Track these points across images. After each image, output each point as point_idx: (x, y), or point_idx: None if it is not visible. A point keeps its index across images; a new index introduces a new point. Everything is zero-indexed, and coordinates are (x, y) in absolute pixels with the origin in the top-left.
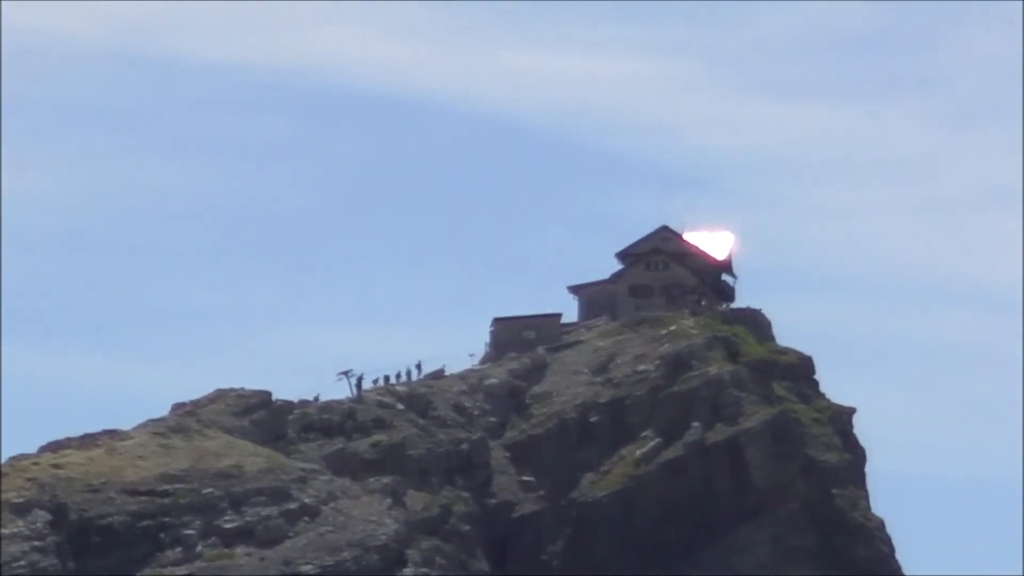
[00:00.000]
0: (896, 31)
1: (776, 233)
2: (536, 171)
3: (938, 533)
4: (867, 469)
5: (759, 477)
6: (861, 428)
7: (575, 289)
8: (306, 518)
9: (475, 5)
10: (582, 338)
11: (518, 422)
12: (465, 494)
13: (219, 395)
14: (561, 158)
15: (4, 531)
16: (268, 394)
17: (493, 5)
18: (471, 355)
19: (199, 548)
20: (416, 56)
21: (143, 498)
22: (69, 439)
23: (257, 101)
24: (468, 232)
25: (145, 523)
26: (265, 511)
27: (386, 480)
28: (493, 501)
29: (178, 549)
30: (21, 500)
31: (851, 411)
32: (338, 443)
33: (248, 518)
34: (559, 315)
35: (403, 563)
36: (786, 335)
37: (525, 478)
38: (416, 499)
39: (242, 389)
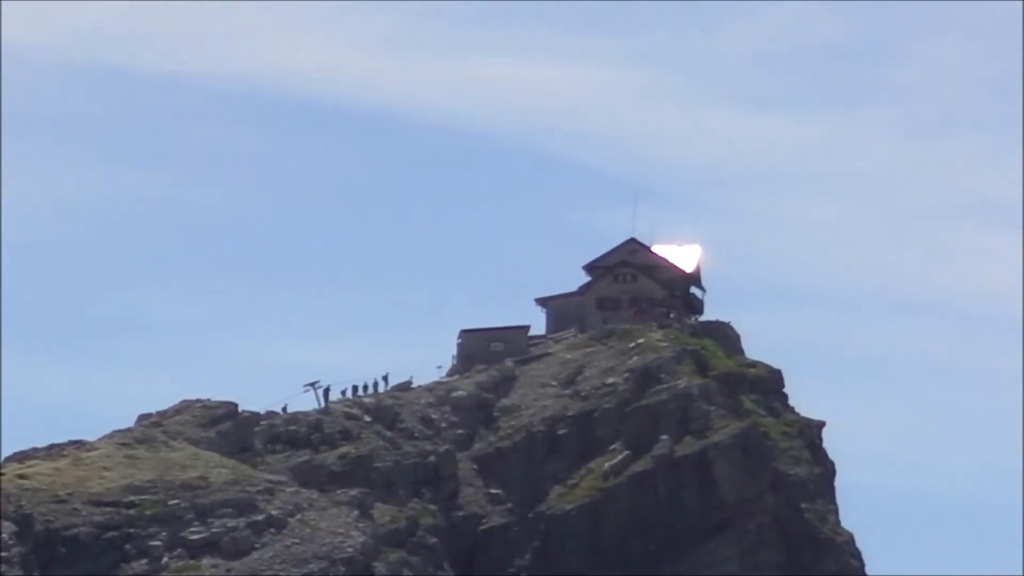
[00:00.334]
0: (864, 42)
1: (745, 245)
2: (504, 182)
3: (908, 547)
4: (836, 483)
5: (728, 491)
6: (830, 441)
7: (543, 301)
8: (272, 530)
9: (443, 16)
10: (550, 351)
11: (486, 434)
12: (432, 506)
13: (185, 406)
14: (529, 169)
15: None
16: (234, 405)
17: (461, 16)
18: (438, 367)
19: (165, 559)
20: (384, 67)
21: (109, 509)
22: (35, 450)
23: (224, 112)
24: (435, 243)
25: (111, 534)
26: (231, 523)
27: (353, 492)
28: (460, 514)
29: (144, 560)
30: None
31: (820, 424)
32: (305, 455)
33: (214, 529)
34: (527, 327)
35: (370, 575)
36: (755, 348)
37: (493, 491)
38: (383, 511)
39: (208, 400)
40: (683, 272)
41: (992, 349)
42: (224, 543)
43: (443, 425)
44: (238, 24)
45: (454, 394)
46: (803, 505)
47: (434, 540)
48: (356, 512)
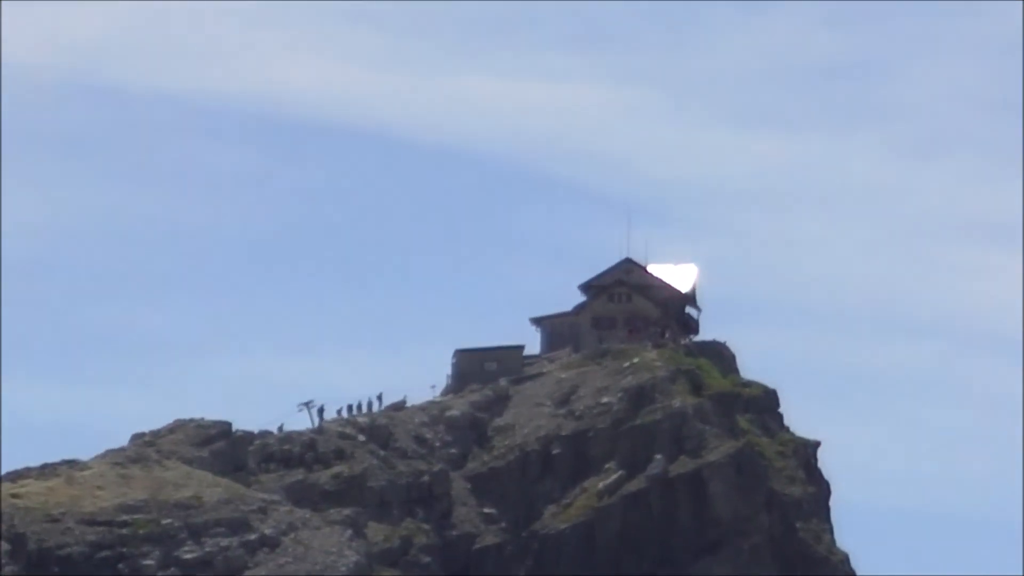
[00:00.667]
0: (859, 61)
1: (740, 265)
2: (499, 201)
3: (903, 566)
4: (831, 502)
5: (722, 510)
6: (825, 461)
7: (538, 321)
8: (266, 549)
9: (437, 35)
10: (544, 370)
11: (479, 454)
12: (426, 526)
13: (179, 425)
14: (524, 188)
15: None
16: (228, 425)
17: (455, 34)
18: (433, 386)
19: None
20: (378, 85)
21: (102, 528)
22: (28, 469)
23: (218, 129)
24: (430, 263)
25: (104, 553)
26: (225, 542)
27: (346, 511)
28: (454, 533)
29: None
30: None
31: (815, 444)
32: (298, 474)
33: (208, 548)
34: (521, 347)
35: None
36: (750, 368)
37: (486, 510)
38: (376, 530)
39: (202, 419)
40: (678, 292)
41: (989, 368)
42: (217, 562)
43: (437, 444)
44: (232, 43)
45: (448, 413)
46: (798, 524)
47: (427, 559)
48: (349, 531)
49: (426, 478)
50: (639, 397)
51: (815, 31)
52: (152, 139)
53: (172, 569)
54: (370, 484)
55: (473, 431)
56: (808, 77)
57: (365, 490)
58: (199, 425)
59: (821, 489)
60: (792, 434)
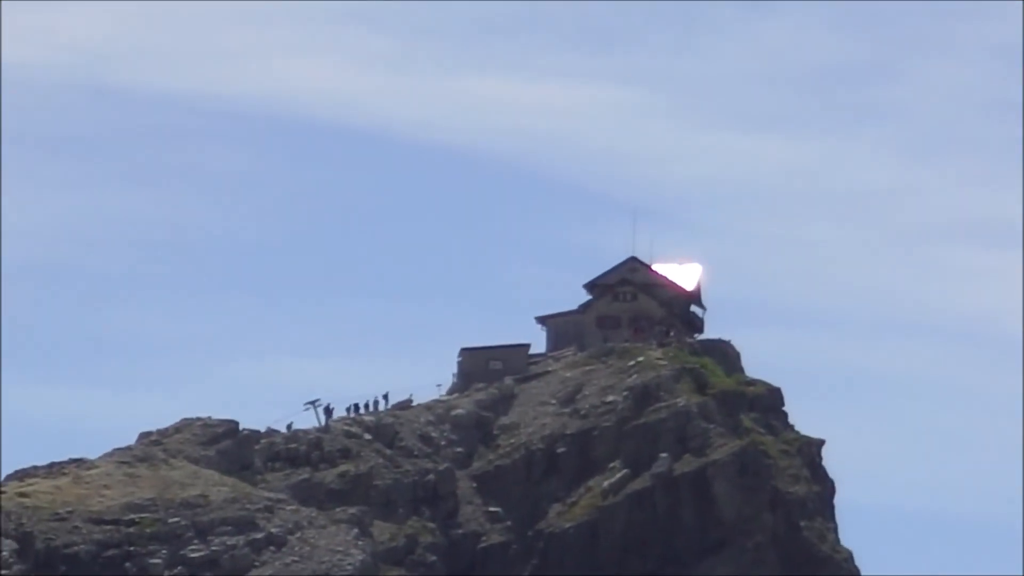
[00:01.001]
0: (860, 63)
1: (745, 264)
2: (504, 201)
3: (907, 565)
4: (836, 501)
5: (726, 509)
6: (830, 460)
7: (543, 320)
8: (272, 548)
9: (442, 36)
10: (549, 369)
11: (485, 453)
12: (431, 524)
13: (185, 424)
14: (529, 188)
15: None
16: (235, 424)
17: (460, 36)
18: (438, 385)
19: None
20: (383, 86)
21: (109, 527)
22: (35, 468)
23: (222, 131)
24: (435, 262)
25: (111, 552)
26: (231, 541)
27: (352, 510)
28: (459, 532)
29: None
30: None
31: (820, 443)
32: (304, 473)
33: (214, 547)
34: (527, 346)
35: None
36: (755, 366)
37: (491, 509)
38: (382, 529)
39: (208, 418)
40: (683, 291)
41: (991, 368)
42: (224, 561)
43: (442, 443)
44: (238, 44)
45: (453, 412)
46: (802, 523)
47: (433, 558)
48: (355, 530)
49: (431, 477)
50: (644, 396)
51: (818, 33)
52: (157, 141)
53: (179, 568)
54: (376, 483)
55: (478, 430)
56: (811, 79)
57: (371, 489)
58: (206, 424)
59: (825, 488)
60: (796, 433)
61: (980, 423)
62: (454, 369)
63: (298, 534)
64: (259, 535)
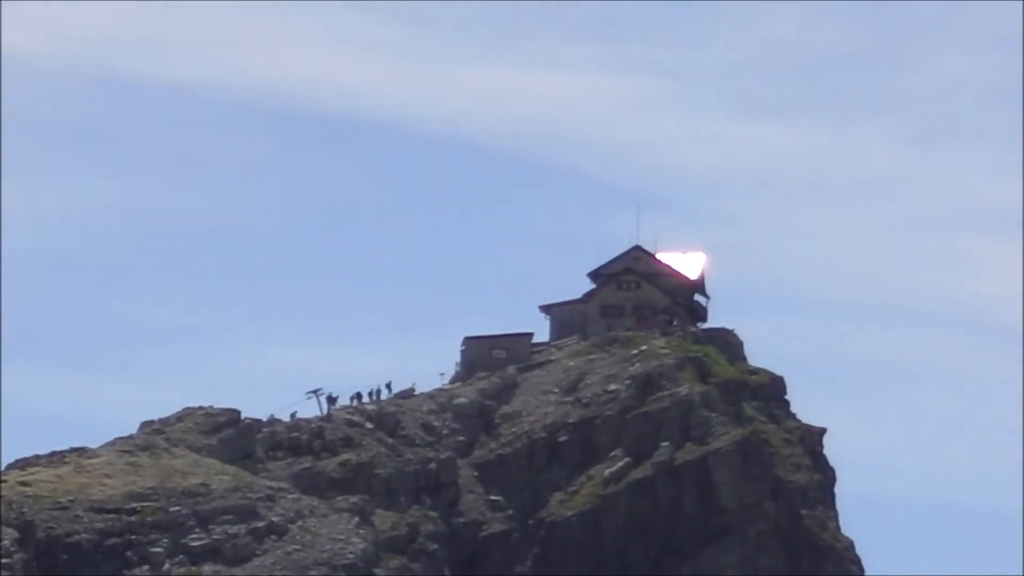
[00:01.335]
0: (866, 50)
1: (748, 253)
2: (507, 190)
3: (908, 553)
4: (837, 490)
5: (728, 498)
6: (831, 449)
7: (546, 308)
8: (273, 536)
9: (447, 25)
10: (552, 358)
11: (487, 441)
12: (433, 513)
13: (187, 413)
14: (532, 177)
15: None
16: (236, 413)
17: (465, 25)
18: (441, 374)
19: (166, 566)
20: (387, 76)
21: (110, 516)
22: (37, 457)
23: (225, 120)
24: (439, 251)
25: (112, 541)
26: (232, 529)
27: (354, 499)
28: (461, 520)
29: (145, 567)
30: None
31: (821, 431)
32: (306, 462)
33: (216, 536)
34: (530, 334)
35: None
36: (757, 355)
37: (493, 497)
38: (384, 518)
39: (210, 407)
40: (687, 279)
41: (993, 356)
42: (225, 550)
43: (444, 432)
44: (241, 33)
45: (455, 401)
46: (803, 512)
47: (435, 547)
48: (357, 519)
49: (433, 466)
50: (646, 385)
51: (821, 22)
52: (161, 130)
53: (180, 556)
54: (377, 472)
55: (481, 419)
56: (815, 68)
57: (372, 478)
58: (207, 413)
59: (827, 476)
60: (798, 421)
61: (981, 411)
62: (457, 358)
63: (299, 523)
64: (260, 524)
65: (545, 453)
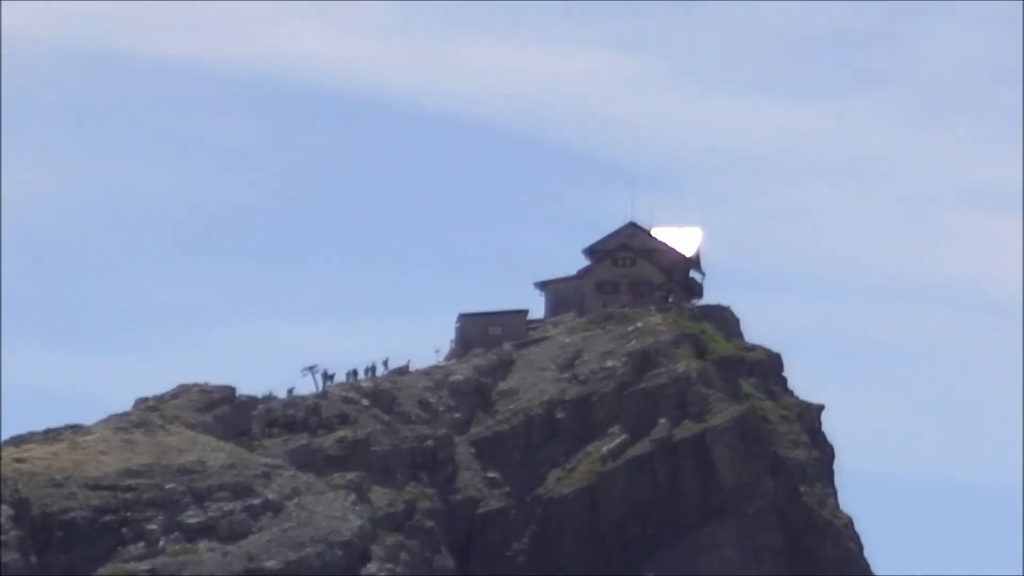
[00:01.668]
0: (862, 29)
1: (744, 230)
2: (503, 167)
3: (906, 530)
4: (835, 466)
5: (726, 475)
6: (829, 425)
7: (542, 285)
8: (270, 513)
9: (440, 2)
10: (548, 334)
11: (483, 418)
12: (430, 490)
13: (182, 390)
14: (528, 153)
15: None
16: (232, 390)
17: (459, 2)
18: (437, 351)
19: (162, 543)
20: (382, 53)
21: (105, 493)
22: (31, 434)
23: (219, 98)
24: (434, 228)
25: (107, 518)
26: (228, 506)
27: (350, 476)
28: (458, 497)
29: (141, 544)
30: None
31: (819, 408)
32: (302, 439)
33: (211, 513)
34: (525, 311)
35: (367, 559)
36: (754, 332)
37: (490, 474)
38: (380, 495)
39: (206, 384)
40: (683, 256)
41: (991, 334)
42: (221, 527)
43: (441, 409)
44: (236, 11)
45: (452, 378)
46: (802, 489)
47: (431, 524)
48: (353, 496)
49: (430, 443)
50: (643, 361)
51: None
52: (157, 108)
53: (175, 534)
54: (374, 449)
55: (477, 396)
56: (814, 45)
57: (369, 455)
58: (203, 390)
59: (825, 453)
60: (796, 398)
61: (980, 388)
62: (452, 335)
63: (296, 500)
64: (256, 501)
65: (542, 430)
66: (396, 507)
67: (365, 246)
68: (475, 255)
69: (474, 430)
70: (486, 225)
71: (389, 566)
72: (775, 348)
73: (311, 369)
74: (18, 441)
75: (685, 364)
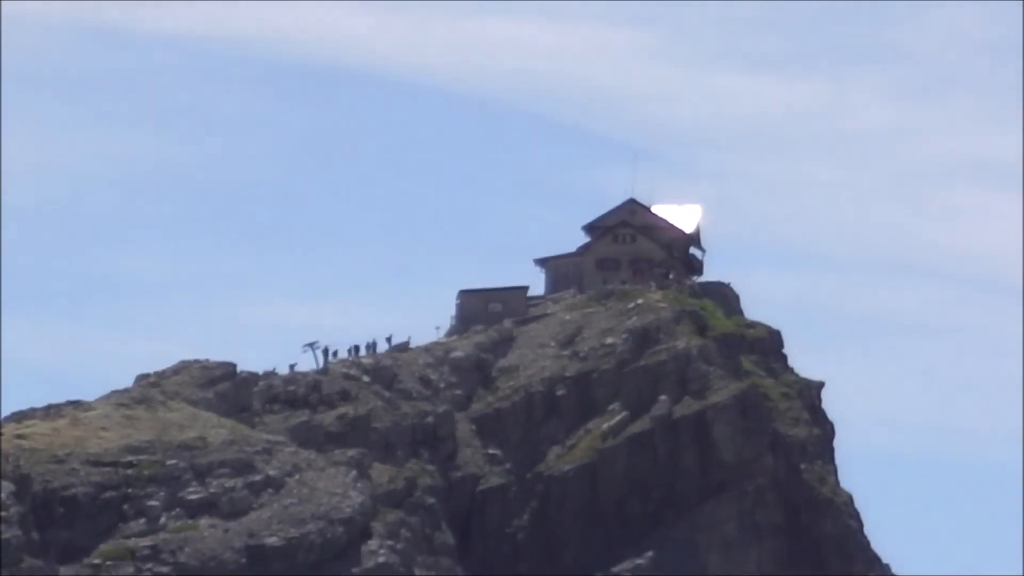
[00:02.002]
0: (863, 3)
1: (744, 206)
2: (503, 142)
3: (907, 508)
4: (836, 444)
5: (726, 452)
6: (830, 402)
7: (542, 262)
8: (270, 490)
9: None
10: (549, 311)
11: (484, 395)
12: (430, 467)
13: (183, 366)
14: (528, 129)
15: None
16: (233, 366)
17: None
18: (437, 328)
19: (163, 519)
20: (381, 27)
21: (107, 469)
22: (33, 410)
23: (219, 72)
24: (434, 204)
25: (109, 494)
26: (229, 483)
27: (351, 452)
28: (458, 474)
29: (142, 520)
30: None
31: (820, 385)
32: (303, 415)
33: (212, 489)
34: (526, 288)
35: (368, 536)
36: (754, 309)
37: (491, 451)
38: (381, 472)
39: (207, 360)
40: (683, 233)
41: (992, 310)
42: (222, 503)
43: (441, 386)
44: None
45: (452, 355)
46: (802, 466)
47: (432, 500)
48: (354, 472)
49: (431, 419)
50: (643, 338)
51: None
52: (155, 82)
53: (176, 510)
54: (375, 425)
55: (478, 372)
56: (814, 19)
57: (370, 431)
58: (204, 366)
59: (825, 430)
60: (796, 375)
61: (980, 364)
62: (453, 311)
63: (296, 476)
64: (257, 477)
65: (543, 407)
66: (397, 484)
67: (366, 222)
68: (475, 232)
69: (475, 407)
70: (486, 201)
71: (390, 543)
72: (775, 325)
73: (312, 345)
74: (19, 417)
75: (685, 341)
